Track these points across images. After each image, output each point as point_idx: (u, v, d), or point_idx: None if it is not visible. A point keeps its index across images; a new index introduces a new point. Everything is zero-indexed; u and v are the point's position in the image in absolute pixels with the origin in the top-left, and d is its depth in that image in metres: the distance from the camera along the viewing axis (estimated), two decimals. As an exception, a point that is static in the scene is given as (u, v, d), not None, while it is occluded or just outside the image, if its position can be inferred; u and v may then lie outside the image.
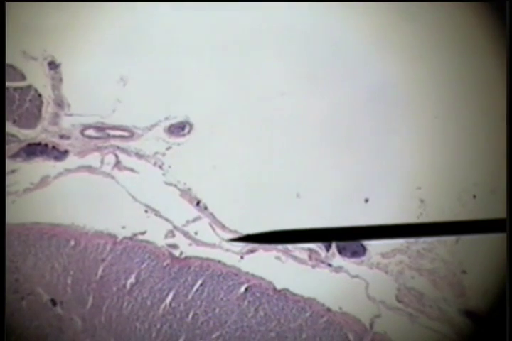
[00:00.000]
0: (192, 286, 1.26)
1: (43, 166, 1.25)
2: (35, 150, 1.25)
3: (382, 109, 1.26)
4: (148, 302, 1.25)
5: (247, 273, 1.26)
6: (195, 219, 1.26)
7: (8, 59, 1.24)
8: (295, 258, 1.26)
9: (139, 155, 1.26)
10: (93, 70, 1.25)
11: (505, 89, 1.23)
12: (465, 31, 1.26)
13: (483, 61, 1.26)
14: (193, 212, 1.26)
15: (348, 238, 1.23)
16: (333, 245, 1.26)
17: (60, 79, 1.25)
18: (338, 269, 1.26)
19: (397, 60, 1.27)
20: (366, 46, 1.26)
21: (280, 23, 1.26)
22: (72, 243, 1.25)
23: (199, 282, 1.26)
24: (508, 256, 1.07)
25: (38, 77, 1.25)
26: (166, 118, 1.26)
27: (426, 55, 1.26)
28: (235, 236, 1.26)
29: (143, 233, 1.26)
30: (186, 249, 1.26)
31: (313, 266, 1.26)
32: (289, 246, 1.26)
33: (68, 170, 1.25)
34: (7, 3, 1.23)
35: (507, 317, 1.06)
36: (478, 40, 1.25)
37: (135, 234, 1.25)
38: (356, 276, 1.26)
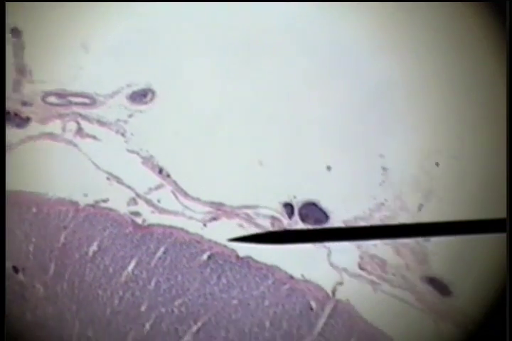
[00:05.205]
0: (154, 254, 1.26)
1: (5, 133, 1.25)
2: (-3, 117, 1.25)
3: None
4: (111, 270, 1.25)
5: (209, 240, 1.26)
6: (157, 187, 1.26)
7: (-29, 26, 1.24)
8: (257, 225, 1.26)
9: (101, 123, 1.26)
10: (55, 37, 1.25)
11: (505, 89, 1.21)
12: (465, 31, 1.25)
13: (483, 61, 1.25)
14: (156, 179, 1.26)
15: (348, 238, 1.22)
16: (296, 212, 1.26)
17: (22, 47, 1.25)
18: (301, 237, 1.26)
19: (397, 59, 1.26)
20: (366, 46, 1.25)
21: (280, 22, 1.26)
22: (34, 210, 1.25)
23: (162, 249, 1.26)
24: (508, 256, 1.07)
25: None
26: (128, 86, 1.26)
27: (425, 54, 1.25)
28: (198, 203, 1.26)
29: (105, 200, 1.26)
30: (149, 216, 1.26)
31: (276, 234, 1.26)
32: (251, 213, 1.26)
33: (30, 138, 1.25)
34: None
35: (507, 317, 1.06)
36: (478, 39, 1.24)
37: (97, 202, 1.25)
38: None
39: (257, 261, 1.26)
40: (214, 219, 1.26)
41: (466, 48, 1.24)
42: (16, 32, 1.25)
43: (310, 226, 1.26)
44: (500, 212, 1.16)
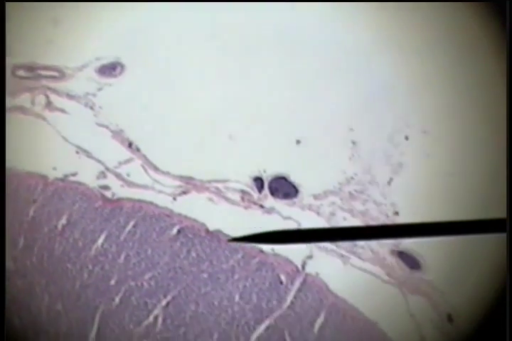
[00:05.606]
0: (124, 228, 1.26)
1: (-26, 107, 1.24)
2: (-34, 91, 1.24)
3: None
4: (80, 244, 1.25)
5: (179, 214, 1.26)
6: (127, 161, 1.26)
7: None
8: (227, 199, 1.26)
9: (70, 96, 1.26)
10: (25, 10, 1.25)
11: (505, 88, 1.21)
12: (465, 31, 1.24)
13: (483, 61, 1.24)
14: (125, 153, 1.26)
15: (346, 238, 1.22)
16: (266, 186, 1.26)
17: (-9, 20, 1.24)
18: (271, 210, 1.26)
19: (397, 59, 1.25)
20: (366, 45, 1.25)
21: (280, 21, 1.25)
22: (3, 183, 1.25)
23: (131, 223, 1.26)
24: (508, 256, 1.07)
25: (-31, 18, 1.24)
26: (97, 59, 1.26)
27: (425, 54, 1.25)
28: (168, 177, 1.26)
29: (74, 174, 1.25)
30: (118, 190, 1.26)
31: (246, 208, 1.26)
32: (221, 187, 1.26)
33: (-1, 111, 1.25)
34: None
35: (507, 317, 1.06)
36: (478, 39, 1.24)
37: (66, 175, 1.25)
38: (288, 218, 1.26)
39: (226, 235, 1.26)
40: (184, 193, 1.26)
41: (466, 48, 1.24)
42: (-15, 5, 1.24)
43: (279, 200, 1.26)
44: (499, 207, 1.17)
